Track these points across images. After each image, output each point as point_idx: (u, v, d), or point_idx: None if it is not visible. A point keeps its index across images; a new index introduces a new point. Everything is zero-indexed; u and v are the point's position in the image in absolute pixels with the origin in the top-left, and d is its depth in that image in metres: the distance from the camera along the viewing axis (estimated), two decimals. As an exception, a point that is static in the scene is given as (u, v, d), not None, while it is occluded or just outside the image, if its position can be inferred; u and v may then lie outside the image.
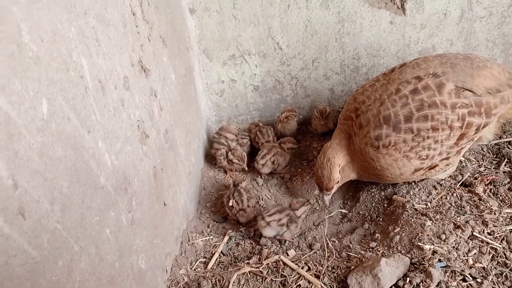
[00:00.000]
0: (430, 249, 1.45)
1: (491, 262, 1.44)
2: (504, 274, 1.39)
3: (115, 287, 1.13)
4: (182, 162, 1.86)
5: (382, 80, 1.70)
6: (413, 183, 1.83)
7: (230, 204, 1.89)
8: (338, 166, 1.74)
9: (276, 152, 2.20)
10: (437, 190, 1.77)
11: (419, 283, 1.35)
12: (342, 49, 2.23)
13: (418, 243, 1.48)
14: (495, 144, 2.02)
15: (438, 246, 1.45)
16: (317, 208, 2.00)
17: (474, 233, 1.51)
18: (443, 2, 2.04)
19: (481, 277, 1.38)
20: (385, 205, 1.82)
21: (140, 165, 1.35)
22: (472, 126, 1.59)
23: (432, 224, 1.55)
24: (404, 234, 1.55)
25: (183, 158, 1.88)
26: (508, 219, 1.58)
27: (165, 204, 1.58)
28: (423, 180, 1.82)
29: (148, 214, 1.40)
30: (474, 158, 1.94)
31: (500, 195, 1.70)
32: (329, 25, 2.14)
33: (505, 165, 1.88)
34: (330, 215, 1.93)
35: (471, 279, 1.37)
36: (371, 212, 1.84)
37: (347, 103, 1.80)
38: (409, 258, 1.44)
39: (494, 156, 1.95)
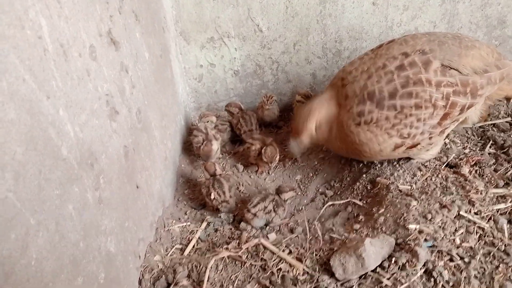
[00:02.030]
0: (415, 229, 1.40)
1: (478, 241, 1.39)
2: (492, 253, 1.35)
3: (79, 269, 1.04)
4: (157, 146, 1.77)
5: (371, 54, 1.66)
6: (397, 165, 1.78)
7: (212, 196, 1.79)
8: (315, 120, 1.67)
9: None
10: (421, 172, 1.72)
11: (405, 263, 1.30)
12: (324, 31, 2.17)
13: (403, 223, 1.43)
14: (480, 127, 1.99)
15: (424, 226, 1.40)
16: (298, 193, 1.94)
17: (460, 212, 1.47)
18: (426, -18, 2.01)
19: (469, 257, 1.33)
20: (369, 187, 1.76)
21: (109, 141, 1.26)
22: (457, 106, 1.54)
23: (417, 204, 1.50)
24: (388, 215, 1.50)
25: (158, 141, 1.79)
26: (494, 199, 1.55)
27: (137, 187, 1.49)
28: (407, 161, 1.78)
29: (118, 194, 1.31)
30: (459, 140, 1.90)
31: (486, 176, 1.66)
32: (310, 6, 2.08)
33: (490, 147, 1.85)
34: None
35: (459, 258, 1.32)
36: (354, 195, 1.78)
37: (336, 73, 1.78)
38: (394, 238, 1.39)
39: (479, 138, 1.92)
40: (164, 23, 2.05)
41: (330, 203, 1.78)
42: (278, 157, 2.00)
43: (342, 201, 1.77)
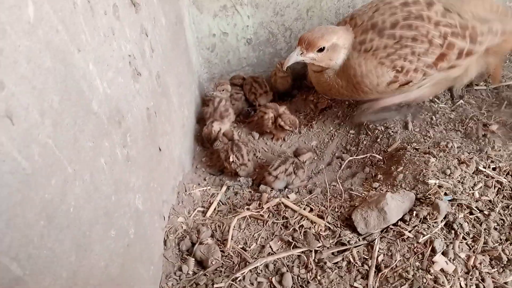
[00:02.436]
0: (435, 184, 1.42)
1: (496, 195, 1.41)
2: (510, 206, 1.37)
3: (112, 221, 1.07)
4: (175, 112, 1.79)
5: (377, 1, 1.69)
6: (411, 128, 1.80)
7: (231, 159, 1.81)
8: (332, 40, 1.64)
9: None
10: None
11: (426, 216, 1.32)
12: (337, -4, 2.16)
13: (423, 179, 1.45)
14: (494, 88, 1.98)
15: (444, 181, 1.42)
16: (315, 158, 1.96)
17: (479, 167, 1.48)
18: None
19: (488, 210, 1.36)
20: (386, 149, 1.78)
21: (133, 101, 1.28)
22: (454, 48, 1.57)
23: (436, 160, 1.52)
24: (407, 172, 1.52)
25: (176, 108, 1.81)
26: (512, 155, 1.56)
27: (160, 150, 1.52)
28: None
29: (144, 155, 1.34)
30: (474, 101, 1.90)
31: (503, 134, 1.67)
32: (323, -30, 2.07)
33: (505, 107, 1.85)
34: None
35: (478, 211, 1.35)
36: (371, 156, 1.79)
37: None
38: (414, 193, 1.41)
39: (494, 99, 1.92)
40: (178, -10, 2.04)
41: (350, 158, 1.81)
42: (297, 122, 2.00)
43: (361, 156, 1.80)
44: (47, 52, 0.82)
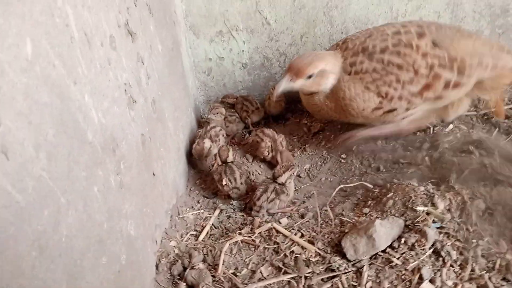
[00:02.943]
0: (423, 211, 1.44)
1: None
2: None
3: (105, 248, 1.09)
4: (171, 136, 1.82)
5: (372, 29, 1.75)
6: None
7: (224, 182, 1.84)
8: (320, 67, 1.68)
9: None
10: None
11: (414, 243, 1.34)
12: (330, 23, 2.21)
13: (412, 206, 1.47)
14: (484, 114, 2.03)
15: (432, 209, 1.44)
16: (308, 182, 1.99)
17: (464, 197, 1.51)
18: (430, -27, 2.05)
19: (476, 238, 1.38)
20: (377, 175, 1.81)
21: (128, 129, 1.31)
22: (441, 79, 1.60)
23: (424, 188, 1.55)
24: (397, 198, 1.54)
25: (172, 132, 1.84)
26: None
27: (154, 174, 1.54)
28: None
29: (137, 180, 1.36)
30: (465, 127, 1.94)
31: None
32: (317, -2, 2.13)
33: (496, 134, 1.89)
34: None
35: (466, 240, 1.37)
36: (363, 180, 1.82)
37: None
38: (403, 220, 1.43)
39: (484, 125, 1.96)
40: (175, 17, 2.09)
41: (341, 186, 1.83)
42: (293, 160, 2.04)
43: (353, 184, 1.82)
44: (44, 87, 0.85)
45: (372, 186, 1.75)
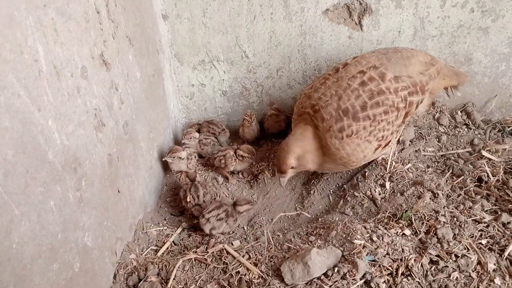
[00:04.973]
0: (360, 244, 1.56)
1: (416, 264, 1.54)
2: (432, 268, 1.50)
3: (56, 256, 1.22)
4: (142, 156, 1.96)
5: (332, 78, 1.84)
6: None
7: (188, 199, 1.99)
8: (294, 154, 1.83)
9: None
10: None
11: (346, 272, 1.46)
12: (304, 60, 2.37)
13: (350, 238, 1.59)
14: (441, 155, 2.16)
15: (369, 244, 1.56)
16: (272, 207, 2.11)
17: (405, 233, 1.63)
18: (397, 20, 2.20)
19: (407, 271, 1.49)
20: (335, 206, 1.94)
21: (94, 150, 1.46)
22: (413, 104, 1.82)
23: (366, 223, 1.67)
24: (340, 230, 1.67)
25: (144, 152, 1.99)
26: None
27: (119, 191, 1.68)
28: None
29: (99, 196, 1.50)
30: (422, 165, 2.06)
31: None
32: (292, 37, 2.29)
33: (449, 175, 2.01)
34: (274, 221, 2.04)
35: (398, 274, 1.48)
36: (318, 208, 1.96)
37: (300, 101, 1.93)
38: (341, 251, 1.55)
39: (440, 165, 2.09)
40: (159, 46, 2.26)
41: (281, 214, 2.03)
42: (254, 149, 2.30)
43: (292, 213, 2.03)
44: (7, 114, 0.99)
45: (309, 215, 1.90)
